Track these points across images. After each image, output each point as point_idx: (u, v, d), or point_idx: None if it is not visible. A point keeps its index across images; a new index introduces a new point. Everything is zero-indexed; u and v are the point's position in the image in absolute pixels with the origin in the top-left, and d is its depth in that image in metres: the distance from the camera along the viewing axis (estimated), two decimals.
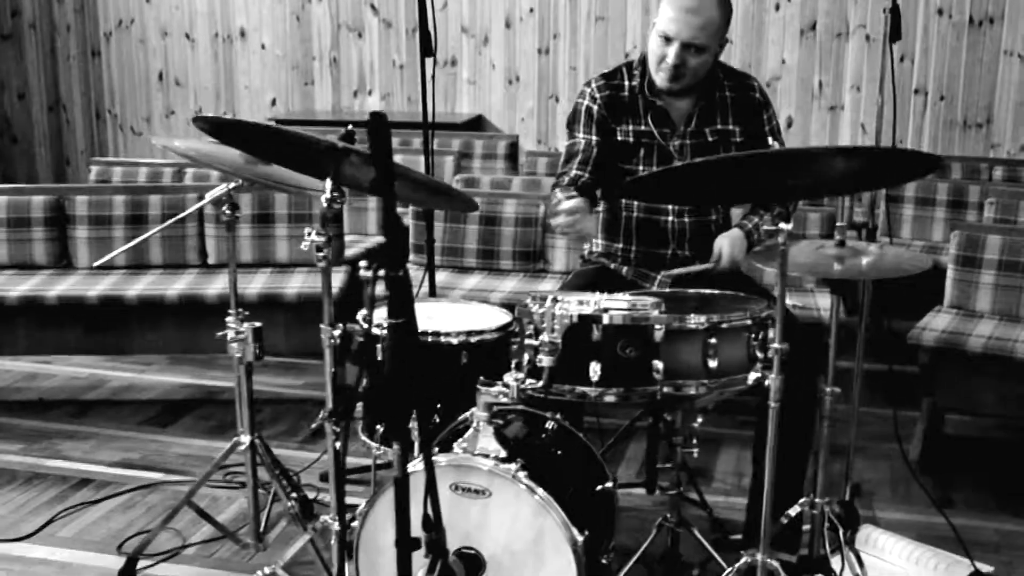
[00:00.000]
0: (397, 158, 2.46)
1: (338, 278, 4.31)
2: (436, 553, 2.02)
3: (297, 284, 4.26)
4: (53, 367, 4.87)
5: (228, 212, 3.05)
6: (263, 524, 3.30)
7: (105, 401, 4.54)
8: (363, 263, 2.49)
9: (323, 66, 7.48)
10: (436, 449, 2.53)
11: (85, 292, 4.17)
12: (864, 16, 6.41)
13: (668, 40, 2.97)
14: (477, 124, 7.15)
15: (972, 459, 4.04)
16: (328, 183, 2.52)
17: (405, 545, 1.81)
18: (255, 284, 4.23)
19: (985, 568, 3.14)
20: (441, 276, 4.31)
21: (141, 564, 3.14)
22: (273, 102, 7.57)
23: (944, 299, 4.02)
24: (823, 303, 4.03)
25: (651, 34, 3.03)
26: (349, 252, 4.73)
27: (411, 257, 4.66)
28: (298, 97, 7.56)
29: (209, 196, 3.03)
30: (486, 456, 2.41)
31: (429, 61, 3.86)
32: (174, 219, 3.27)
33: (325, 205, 2.52)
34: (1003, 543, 3.38)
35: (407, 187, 2.67)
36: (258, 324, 3.05)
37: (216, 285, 4.23)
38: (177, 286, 4.24)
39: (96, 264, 3.40)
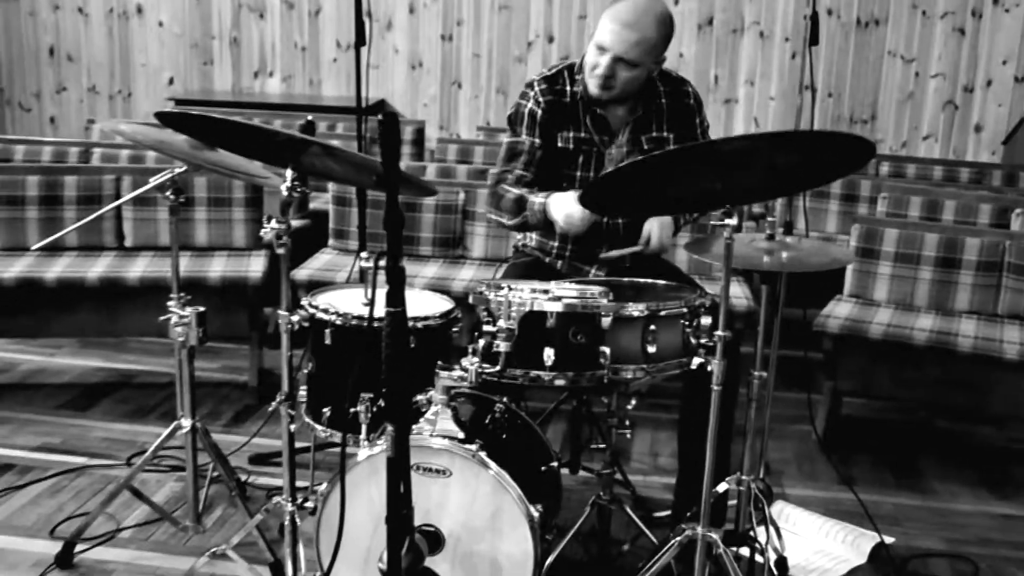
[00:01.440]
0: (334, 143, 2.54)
1: (259, 262, 4.34)
2: (404, 531, 2.12)
3: (219, 268, 4.27)
4: None
5: (172, 197, 3.07)
6: (197, 507, 3.33)
7: (17, 385, 4.47)
8: (364, 253, 2.54)
9: (223, 46, 7.42)
10: (391, 430, 2.62)
11: (1, 275, 4.11)
12: (759, 13, 6.67)
13: (602, 50, 3.06)
14: (380, 109, 7.19)
15: (870, 439, 4.30)
16: (289, 172, 2.58)
17: (397, 522, 1.90)
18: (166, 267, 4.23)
19: (888, 539, 3.37)
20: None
21: (77, 548, 3.15)
22: (171, 81, 7.48)
23: (844, 288, 4.26)
24: (737, 292, 4.23)
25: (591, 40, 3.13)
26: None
27: (331, 242, 4.72)
28: (197, 77, 7.49)
29: (155, 180, 3.05)
30: (446, 437, 2.51)
31: (359, 48, 3.91)
32: (126, 198, 3.27)
33: (285, 193, 2.58)
34: (901, 516, 3.62)
35: (351, 172, 2.72)
36: (202, 308, 3.07)
37: (136, 268, 4.22)
38: (96, 269, 4.20)
39: (38, 246, 3.36)
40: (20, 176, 4.40)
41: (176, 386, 3.20)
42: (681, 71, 3.47)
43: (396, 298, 1.81)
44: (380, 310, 1.99)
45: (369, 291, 2.45)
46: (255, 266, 4.31)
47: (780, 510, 3.52)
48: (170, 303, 3.09)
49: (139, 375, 4.59)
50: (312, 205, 5.36)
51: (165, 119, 2.61)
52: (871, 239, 4.19)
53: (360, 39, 3.85)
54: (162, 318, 3.10)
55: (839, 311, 4.07)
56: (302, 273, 4.33)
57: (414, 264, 4.48)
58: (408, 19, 7.12)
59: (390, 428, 1.91)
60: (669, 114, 3.23)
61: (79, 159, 5.14)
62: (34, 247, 3.37)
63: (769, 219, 2.86)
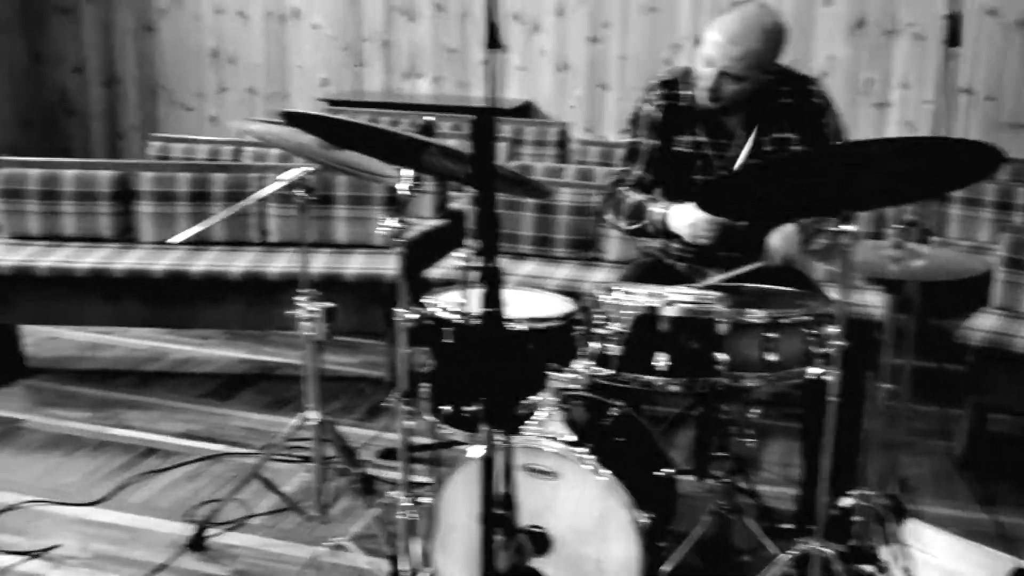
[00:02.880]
0: (451, 143, 2.58)
1: (391, 260, 4.42)
2: (508, 530, 2.13)
3: (356, 265, 4.36)
4: (114, 338, 5.02)
5: (301, 194, 3.16)
6: (325, 498, 3.42)
7: (166, 373, 4.68)
8: (462, 253, 2.58)
9: (375, 48, 7.58)
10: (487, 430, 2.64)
11: (150, 267, 4.30)
12: (914, 14, 6.44)
13: (708, 63, 3.01)
14: (526, 111, 7.23)
15: (1015, 458, 4.11)
16: (409, 172, 2.63)
17: (490, 521, 1.91)
18: (316, 264, 4.34)
19: None
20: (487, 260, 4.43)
21: (208, 532, 3.27)
22: (324, 82, 7.68)
23: (991, 300, 4.08)
24: (871, 300, 4.10)
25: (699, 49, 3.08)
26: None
27: (468, 242, 4.76)
28: (349, 78, 7.66)
29: (285, 178, 3.14)
30: (556, 439, 2.51)
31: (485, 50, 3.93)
32: (253, 198, 3.36)
33: (405, 193, 2.63)
34: None
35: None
36: (331, 304, 3.16)
37: (278, 263, 4.35)
38: (240, 263, 4.36)
39: (178, 240, 3.50)
40: (172, 173, 4.60)
41: (306, 379, 3.29)
42: (831, 74, 3.37)
43: (492, 299, 1.82)
44: (493, 311, 2.02)
45: (467, 291, 2.48)
46: (391, 264, 4.39)
47: (912, 529, 3.40)
48: (300, 298, 3.18)
49: (280, 367, 4.73)
50: (452, 204, 5.43)
51: (290, 119, 2.69)
52: (1021, 249, 4.00)
53: (492, 41, 3.87)
54: (289, 312, 3.19)
55: (984, 323, 3.90)
56: (435, 272, 4.39)
57: (547, 265, 4.49)
58: (555, 21, 7.14)
59: (487, 428, 1.93)
60: (792, 115, 3.14)
61: (231, 157, 5.34)
62: (175, 240, 3.50)
63: (901, 226, 2.77)
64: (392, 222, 2.67)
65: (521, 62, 7.20)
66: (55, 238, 4.58)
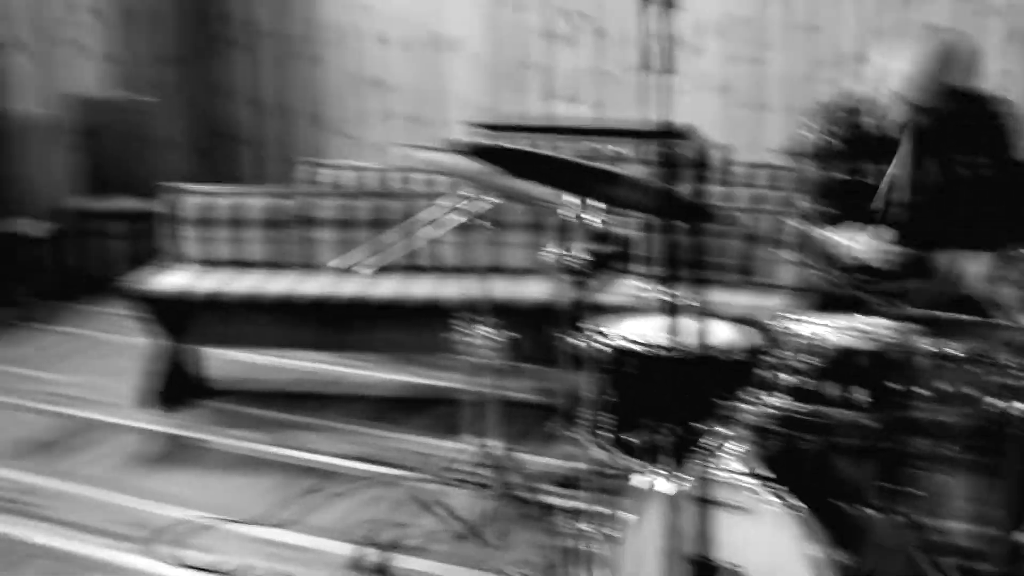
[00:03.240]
0: (615, 169, 2.57)
1: (556, 287, 4.42)
2: (704, 568, 2.11)
3: (532, 291, 4.38)
4: (292, 361, 5.16)
5: (473, 221, 3.20)
6: (501, 525, 3.43)
7: (342, 396, 4.79)
8: (634, 280, 2.57)
9: (530, 72, 7.64)
10: (677, 465, 2.61)
11: (333, 292, 4.42)
12: None
13: (891, 91, 2.93)
14: (685, 134, 7.17)
15: None
16: (593, 203, 2.64)
17: (683, 558, 1.89)
18: (488, 289, 4.38)
19: None
20: (644, 284, 4.41)
21: (384, 556, 3.32)
22: (481, 108, 7.77)
23: None
24: None
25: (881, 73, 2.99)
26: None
27: (635, 269, 4.75)
28: (505, 103, 7.74)
29: (457, 205, 3.18)
30: (749, 474, 2.47)
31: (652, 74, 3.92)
32: (431, 224, 3.42)
33: (576, 220, 2.64)
34: None
35: (649, 201, 2.74)
36: (511, 332, 3.18)
37: (452, 288, 4.41)
38: (418, 289, 4.43)
39: (358, 266, 3.60)
40: (350, 200, 4.74)
41: (481, 406, 3.32)
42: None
43: (674, 327, 1.81)
44: (676, 340, 2.01)
45: (645, 318, 2.46)
46: (562, 290, 4.39)
47: None
48: (477, 324, 3.22)
49: (450, 392, 4.79)
50: (619, 230, 5.41)
51: (457, 148, 2.73)
52: None
53: (647, 63, 3.85)
54: (466, 339, 3.23)
55: None
56: (604, 298, 4.38)
57: (722, 292, 4.43)
58: (716, 42, 7.08)
59: (677, 463, 1.91)
60: (978, 137, 3.03)
61: (400, 184, 5.45)
62: (360, 266, 3.59)
63: None
64: (564, 249, 2.69)
65: (680, 84, 7.16)
66: (242, 264, 4.74)
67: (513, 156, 2.66)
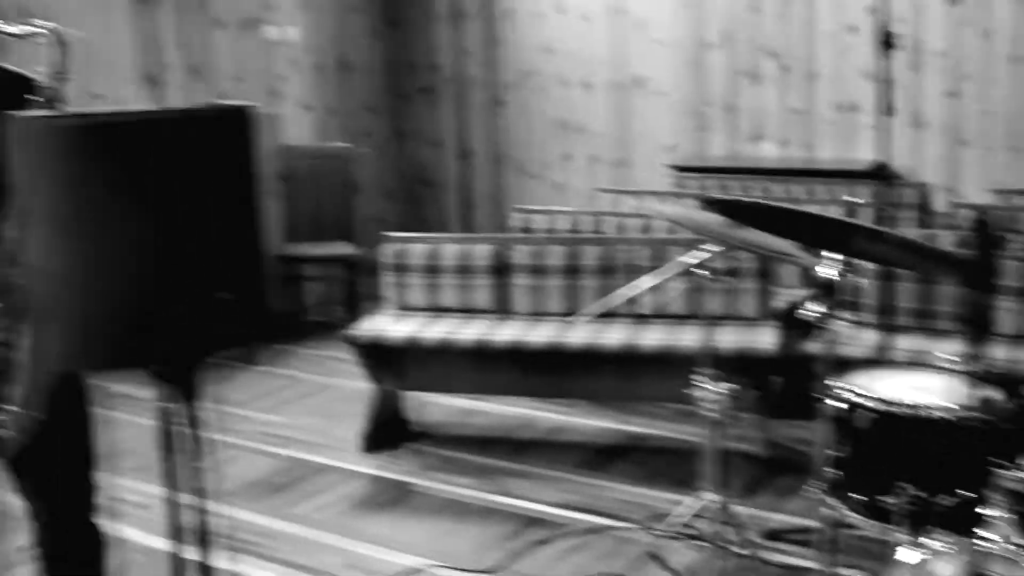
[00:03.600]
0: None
1: (768, 333, 4.34)
2: None
3: (729, 338, 4.29)
4: (486, 405, 5.20)
5: (704, 273, 3.16)
6: None
7: (539, 441, 4.79)
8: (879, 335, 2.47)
9: (719, 112, 7.56)
10: (942, 530, 2.50)
11: (528, 338, 4.43)
12: None
13: None
14: (877, 172, 6.97)
15: None
16: (833, 256, 2.57)
17: None
18: (689, 336, 4.32)
19: None
20: (873, 335, 4.27)
21: None
22: (669, 148, 7.73)
23: None
24: None
25: None
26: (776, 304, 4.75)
27: (841, 314, 4.61)
28: (693, 143, 7.68)
29: (692, 260, 3.15)
30: (1010, 544, 2.34)
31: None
32: (664, 276, 3.40)
33: (833, 277, 2.57)
34: None
35: (909, 259, 2.66)
36: (733, 384, 3.13)
37: (651, 336, 4.37)
38: (614, 335, 4.41)
39: (586, 315, 3.60)
40: (544, 246, 4.75)
41: (702, 459, 3.26)
42: None
43: (943, 388, 1.73)
44: (927, 398, 1.92)
45: (910, 376, 2.36)
46: (765, 337, 4.31)
47: None
48: (698, 376, 3.17)
49: (651, 439, 4.74)
50: (824, 273, 5.28)
51: (712, 205, 2.70)
52: None
53: (888, 108, 3.76)
54: (689, 390, 3.19)
55: None
56: (819, 347, 4.26)
57: (929, 340, 4.26)
58: (910, 76, 6.87)
59: (941, 532, 1.81)
60: None
61: (592, 228, 5.45)
62: (583, 314, 3.57)
63: None
64: (798, 299, 2.62)
65: (871, 120, 6.97)
66: (437, 309, 4.81)
67: (756, 210, 2.62)
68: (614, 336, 4.39)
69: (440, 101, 8.23)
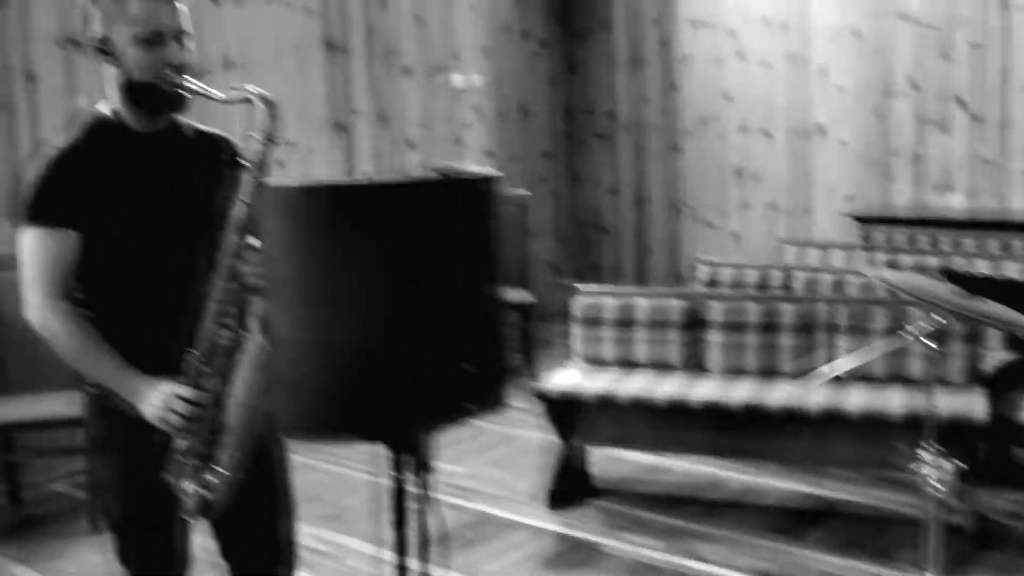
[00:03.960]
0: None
1: (978, 399, 4.12)
2: None
3: (972, 407, 4.06)
4: (670, 462, 5.08)
5: (927, 342, 3.01)
6: None
7: (728, 503, 4.65)
8: None
9: (903, 161, 7.32)
10: None
11: (725, 398, 4.31)
12: None
13: None
14: None
15: None
16: None
17: None
18: (893, 401, 4.15)
19: None
20: None
21: None
22: (849, 198, 7.52)
23: None
24: None
25: None
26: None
27: None
28: (875, 193, 7.45)
29: (915, 329, 3.01)
30: None
31: None
32: (892, 340, 3.25)
33: None
34: None
35: None
36: (945, 453, 2.96)
37: (853, 399, 4.20)
38: (815, 397, 4.25)
39: (819, 376, 3.49)
40: (741, 303, 4.63)
41: (902, 529, 3.10)
42: None
43: None
44: None
45: None
46: (975, 404, 4.09)
47: None
48: (906, 443, 3.01)
49: (846, 504, 4.55)
50: None
51: (949, 276, 2.57)
52: None
53: None
54: (895, 457, 3.03)
55: None
56: None
57: None
58: None
59: None
60: None
61: (780, 282, 5.31)
62: (801, 374, 3.45)
63: None
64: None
65: None
66: (627, 364, 4.74)
67: (992, 284, 2.48)
68: (816, 398, 4.23)
69: (617, 147, 8.20)
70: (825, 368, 3.33)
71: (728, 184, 8.03)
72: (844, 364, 3.29)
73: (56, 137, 2.37)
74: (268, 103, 2.21)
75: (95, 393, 2.41)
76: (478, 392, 1.99)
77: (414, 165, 6.45)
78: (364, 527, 4.36)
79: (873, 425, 4.12)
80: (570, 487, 4.67)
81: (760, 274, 5.48)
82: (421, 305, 1.87)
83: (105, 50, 2.29)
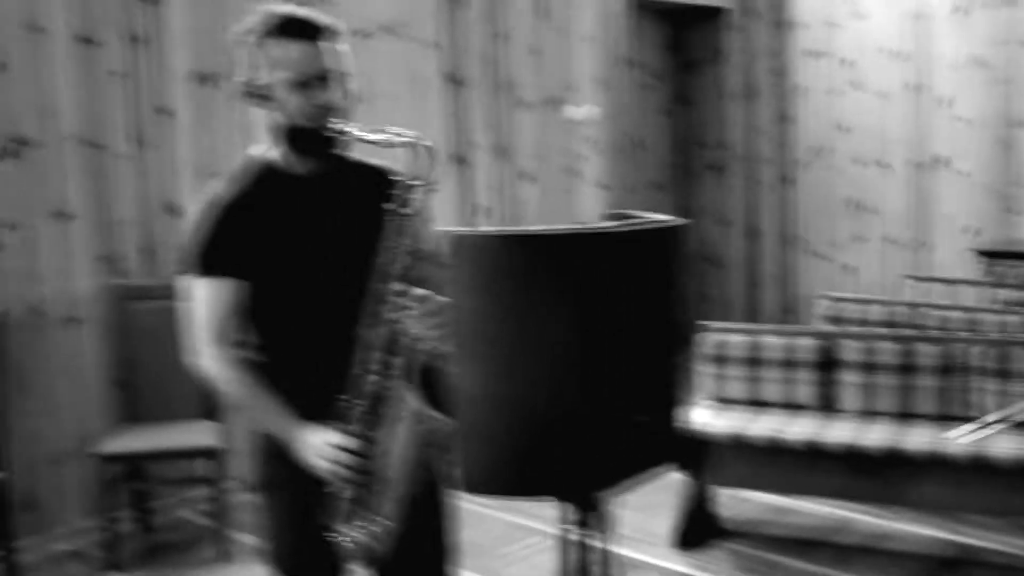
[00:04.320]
0: None
1: None
2: None
3: None
4: (797, 503, 4.96)
5: None
6: None
7: (861, 548, 4.52)
8: None
9: None
10: None
11: (863, 441, 4.19)
12: None
13: None
14: None
15: None
16: None
17: None
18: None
19: None
20: None
21: None
22: (972, 231, 7.32)
23: None
24: None
25: None
26: None
27: None
28: (998, 226, 7.25)
29: None
30: None
31: None
32: None
33: None
34: None
35: None
36: None
37: (1001, 444, 4.06)
38: (959, 445, 4.12)
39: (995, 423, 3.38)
40: (875, 342, 4.51)
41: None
42: None
43: None
44: None
45: None
46: None
47: None
48: None
49: (983, 552, 4.39)
50: None
51: None
52: None
53: None
54: None
55: None
56: None
57: None
58: None
59: None
60: None
61: (907, 319, 5.17)
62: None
63: None
64: None
65: None
66: (757, 404, 4.64)
67: None
68: (961, 444, 4.09)
69: (728, 179, 8.10)
70: (991, 417, 3.21)
71: (842, 216, 7.88)
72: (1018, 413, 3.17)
73: (217, 182, 2.37)
74: (426, 148, 2.17)
75: (264, 435, 2.41)
76: (659, 447, 1.95)
77: (529, 197, 6.44)
78: None
79: (1019, 472, 3.97)
80: (699, 528, 4.59)
81: (887, 311, 5.33)
82: (613, 357, 1.83)
83: (259, 94, 2.28)
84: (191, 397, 4.69)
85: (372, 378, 2.19)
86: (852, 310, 5.48)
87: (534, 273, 1.81)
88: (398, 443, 2.21)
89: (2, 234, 4.40)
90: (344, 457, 2.19)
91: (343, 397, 2.22)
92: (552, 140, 6.57)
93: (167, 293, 4.75)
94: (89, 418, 4.70)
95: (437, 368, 2.11)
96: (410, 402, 2.17)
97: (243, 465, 2.56)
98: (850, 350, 4.53)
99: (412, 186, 2.17)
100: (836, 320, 5.47)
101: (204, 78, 4.95)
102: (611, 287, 1.83)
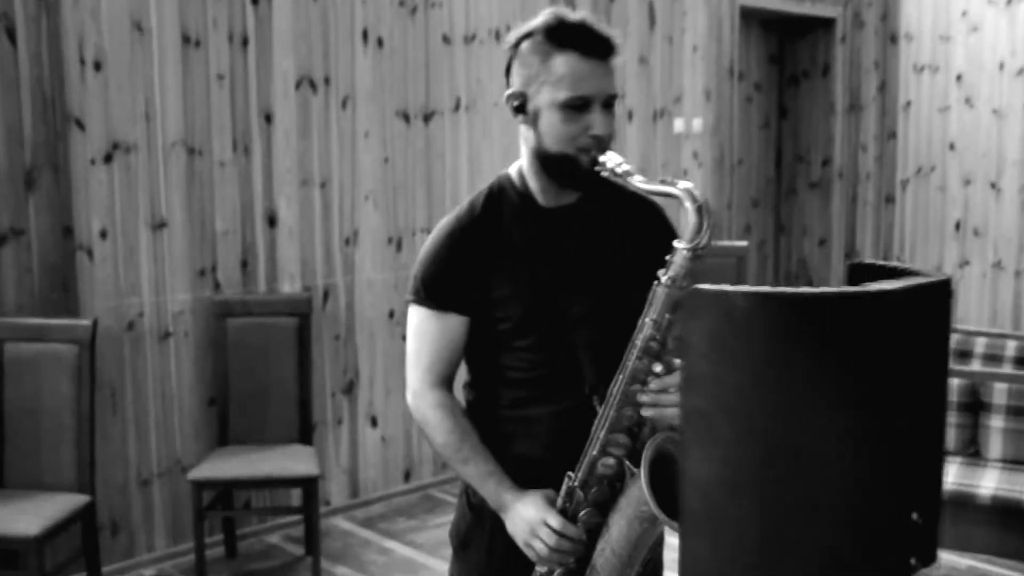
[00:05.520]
0: None
1: None
2: None
3: None
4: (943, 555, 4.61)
5: None
6: None
7: None
8: None
9: None
10: None
11: (1012, 493, 3.87)
12: None
13: None
14: None
15: None
16: None
17: None
18: None
19: None
20: None
21: None
22: None
23: None
24: None
25: None
26: None
27: None
28: None
29: None
30: None
31: None
32: None
33: None
34: None
35: None
36: None
37: None
38: None
39: None
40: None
41: None
42: None
43: None
44: None
45: None
46: None
47: None
48: None
49: None
50: None
51: None
52: None
53: None
54: None
55: None
56: None
57: None
58: None
59: None
60: None
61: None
62: None
63: None
64: None
65: None
66: None
67: None
68: None
69: (828, 196, 7.75)
70: None
71: (946, 239, 7.52)
72: None
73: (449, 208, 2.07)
74: (702, 206, 1.82)
75: (470, 489, 2.11)
76: (920, 543, 1.66)
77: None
78: None
79: None
80: None
81: (1021, 345, 4.99)
82: (887, 440, 1.54)
83: (521, 109, 1.97)
84: (286, 419, 4.46)
85: (608, 461, 1.90)
86: (979, 344, 5.13)
87: (799, 341, 1.51)
88: (612, 538, 1.91)
89: (95, 243, 4.17)
90: (550, 538, 1.91)
91: (570, 475, 1.93)
92: (656, 153, 6.28)
93: (264, 308, 4.54)
94: (180, 439, 4.47)
95: (668, 453, 1.82)
96: (635, 495, 1.87)
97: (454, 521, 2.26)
98: (998, 392, 4.19)
99: (693, 254, 1.84)
100: (962, 355, 5.13)
101: (306, 83, 4.70)
102: (886, 357, 1.53)
